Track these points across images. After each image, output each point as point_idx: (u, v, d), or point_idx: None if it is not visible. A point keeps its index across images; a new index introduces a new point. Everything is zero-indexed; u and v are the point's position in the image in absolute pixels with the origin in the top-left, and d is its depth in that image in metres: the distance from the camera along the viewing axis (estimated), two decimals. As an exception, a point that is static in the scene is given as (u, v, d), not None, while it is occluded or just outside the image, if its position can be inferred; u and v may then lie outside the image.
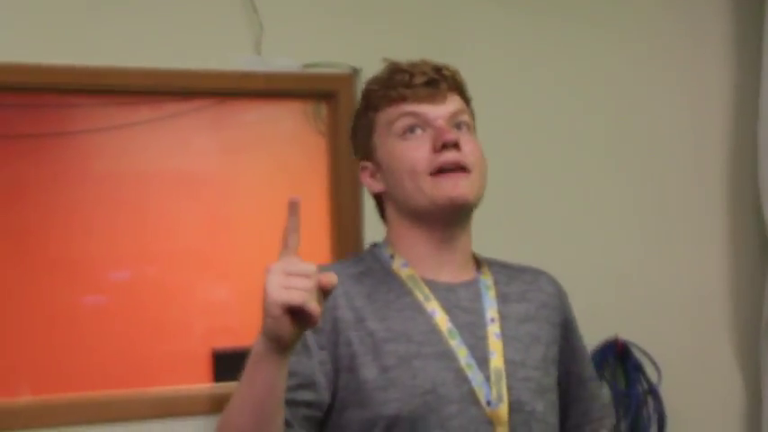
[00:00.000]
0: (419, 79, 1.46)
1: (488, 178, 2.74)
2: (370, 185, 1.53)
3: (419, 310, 1.43)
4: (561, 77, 2.87)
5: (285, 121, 2.65)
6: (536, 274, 1.62)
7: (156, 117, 2.67)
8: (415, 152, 1.43)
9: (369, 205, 1.84)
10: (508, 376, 1.42)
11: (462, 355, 1.40)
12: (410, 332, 1.41)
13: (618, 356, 2.83)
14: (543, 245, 2.82)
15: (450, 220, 1.46)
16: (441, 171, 1.42)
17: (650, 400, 2.85)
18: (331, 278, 1.19)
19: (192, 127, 2.70)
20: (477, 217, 2.71)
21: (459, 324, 1.43)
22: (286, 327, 1.17)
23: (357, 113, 1.56)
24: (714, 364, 2.99)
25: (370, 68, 1.69)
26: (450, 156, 1.42)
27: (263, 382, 1.22)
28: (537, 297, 1.55)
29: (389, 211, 1.51)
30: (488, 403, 1.39)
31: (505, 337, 1.45)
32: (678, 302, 2.94)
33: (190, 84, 2.58)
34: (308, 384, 1.36)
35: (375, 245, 1.55)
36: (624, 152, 2.92)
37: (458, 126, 1.48)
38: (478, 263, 1.56)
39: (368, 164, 1.52)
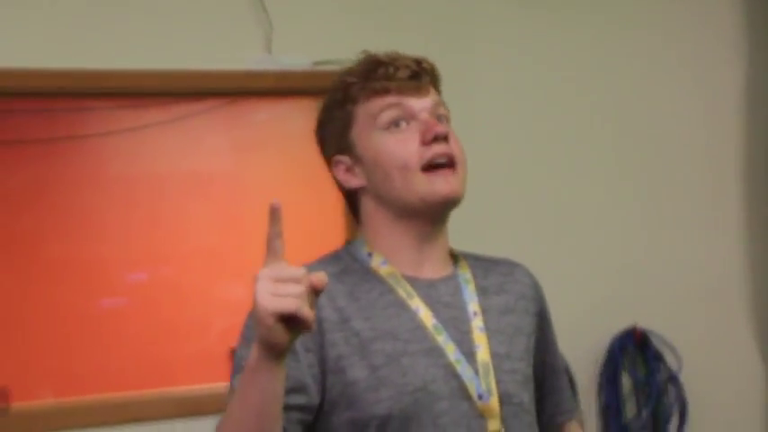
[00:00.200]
0: (403, 72, 1.44)
1: (505, 172, 2.78)
2: (346, 181, 1.48)
3: (403, 307, 1.42)
4: (573, 68, 2.91)
5: (296, 119, 2.66)
6: (511, 265, 1.60)
7: (168, 118, 2.70)
8: (404, 146, 1.41)
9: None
10: (495, 369, 1.41)
11: (450, 350, 1.39)
12: (396, 330, 1.40)
13: (637, 345, 2.88)
14: (561, 238, 2.89)
15: (436, 216, 1.45)
16: (431, 167, 1.41)
17: (671, 388, 2.89)
18: (321, 278, 1.17)
19: (203, 127, 2.73)
20: (493, 211, 2.74)
21: (444, 319, 1.42)
22: (280, 335, 1.15)
23: (329, 107, 1.51)
24: (734, 351, 3.01)
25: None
26: (440, 149, 1.41)
27: (263, 391, 1.21)
28: (514, 288, 1.54)
29: (368, 207, 1.47)
30: (480, 397, 1.39)
31: (489, 330, 1.44)
32: (696, 290, 2.97)
33: (201, 84, 2.63)
34: (299, 388, 1.34)
35: (350, 243, 1.51)
36: (639, 142, 2.96)
37: (439, 119, 1.46)
38: (455, 257, 1.54)
39: (343, 158, 1.48)
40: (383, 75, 1.44)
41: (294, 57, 2.58)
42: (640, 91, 2.98)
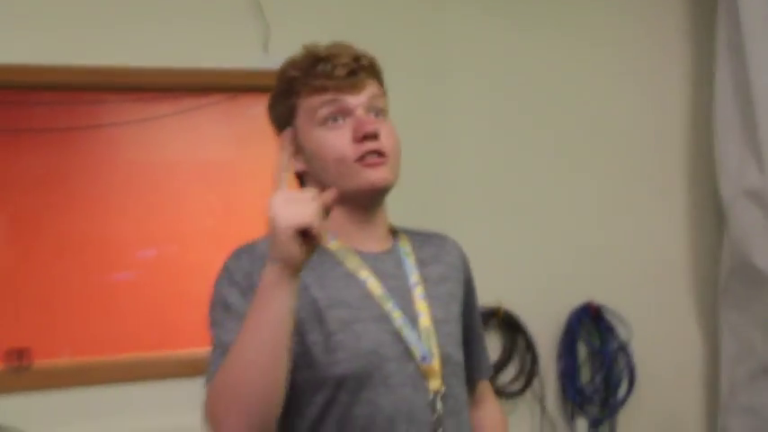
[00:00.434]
0: (340, 70, 1.45)
1: (470, 157, 2.94)
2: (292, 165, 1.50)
3: (353, 278, 1.45)
4: (536, 63, 3.02)
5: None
6: (442, 238, 1.65)
7: (176, 111, 2.77)
8: (339, 141, 1.44)
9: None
10: (436, 333, 1.46)
11: (396, 317, 1.44)
12: (348, 299, 1.43)
13: (592, 318, 3.02)
14: (524, 222, 3.01)
15: (373, 201, 1.50)
16: (363, 158, 1.44)
17: (622, 357, 3.03)
18: (332, 194, 1.24)
19: (206, 120, 2.80)
20: (460, 194, 2.89)
21: (390, 288, 1.46)
22: (297, 249, 1.20)
23: (277, 96, 1.53)
24: (678, 324, 3.16)
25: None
26: (371, 146, 1.44)
27: (279, 309, 1.24)
28: (446, 259, 1.59)
29: (312, 189, 1.38)
30: (423, 359, 1.43)
31: (429, 297, 1.49)
32: (646, 269, 3.10)
33: (205, 81, 2.70)
34: None
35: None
36: (594, 135, 3.08)
37: (376, 113, 1.49)
38: (394, 232, 1.58)
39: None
40: (322, 72, 1.46)
41: (289, 56, 2.71)
42: (596, 85, 3.06)
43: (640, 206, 3.13)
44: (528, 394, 3.00)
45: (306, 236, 1.22)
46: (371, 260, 1.49)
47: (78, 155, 2.75)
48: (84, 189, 2.75)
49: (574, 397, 3.01)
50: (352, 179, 1.43)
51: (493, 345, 2.95)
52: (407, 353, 1.43)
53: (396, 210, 1.60)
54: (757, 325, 2.96)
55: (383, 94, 1.53)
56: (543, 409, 3.01)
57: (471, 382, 1.61)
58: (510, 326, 2.97)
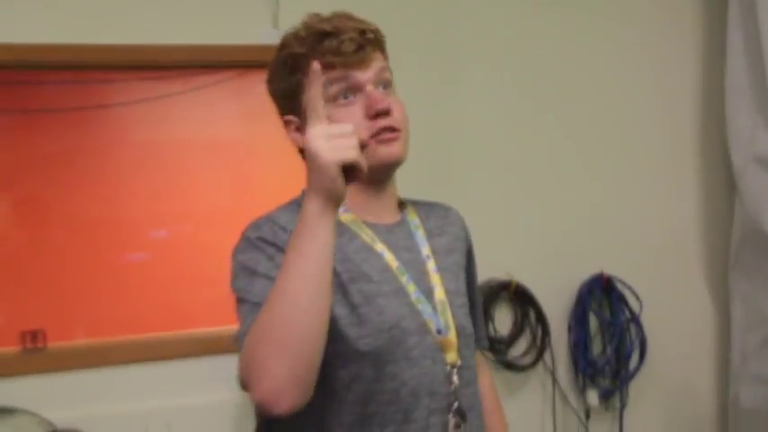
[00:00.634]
0: (348, 46, 1.44)
1: (491, 134, 2.94)
2: (296, 139, 1.49)
3: (370, 251, 1.46)
4: (550, 42, 3.02)
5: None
6: (445, 208, 1.65)
7: (186, 89, 2.76)
8: (352, 119, 1.42)
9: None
10: (450, 305, 1.48)
11: (412, 290, 1.45)
12: (368, 272, 1.43)
13: (603, 289, 3.02)
14: (534, 193, 3.02)
15: (385, 175, 1.50)
16: (377, 135, 1.44)
17: (633, 328, 3.04)
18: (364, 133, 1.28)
19: (217, 97, 2.79)
20: (477, 169, 2.90)
21: (404, 261, 1.47)
22: (342, 183, 1.21)
23: (280, 71, 1.51)
24: (688, 295, 3.17)
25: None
26: (383, 122, 1.44)
27: (324, 242, 1.23)
28: (451, 230, 1.60)
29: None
30: (438, 332, 1.44)
31: (440, 270, 1.50)
32: (656, 241, 3.10)
33: (215, 58, 2.70)
34: None
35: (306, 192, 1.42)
36: (605, 104, 3.08)
37: (384, 85, 1.48)
38: (401, 204, 1.58)
39: (293, 119, 1.50)
40: (329, 48, 1.44)
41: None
42: (606, 55, 3.07)
43: (651, 176, 3.13)
44: (539, 367, 3.01)
45: (347, 170, 1.23)
46: (384, 233, 1.50)
47: (89, 134, 2.73)
48: (95, 169, 2.74)
49: (585, 369, 3.02)
50: (366, 156, 1.37)
51: (504, 318, 2.98)
52: (425, 326, 1.44)
53: (407, 183, 1.61)
54: (768, 293, 2.95)
55: (388, 64, 1.52)
56: (555, 382, 3.03)
57: None
58: (521, 299, 2.98)
